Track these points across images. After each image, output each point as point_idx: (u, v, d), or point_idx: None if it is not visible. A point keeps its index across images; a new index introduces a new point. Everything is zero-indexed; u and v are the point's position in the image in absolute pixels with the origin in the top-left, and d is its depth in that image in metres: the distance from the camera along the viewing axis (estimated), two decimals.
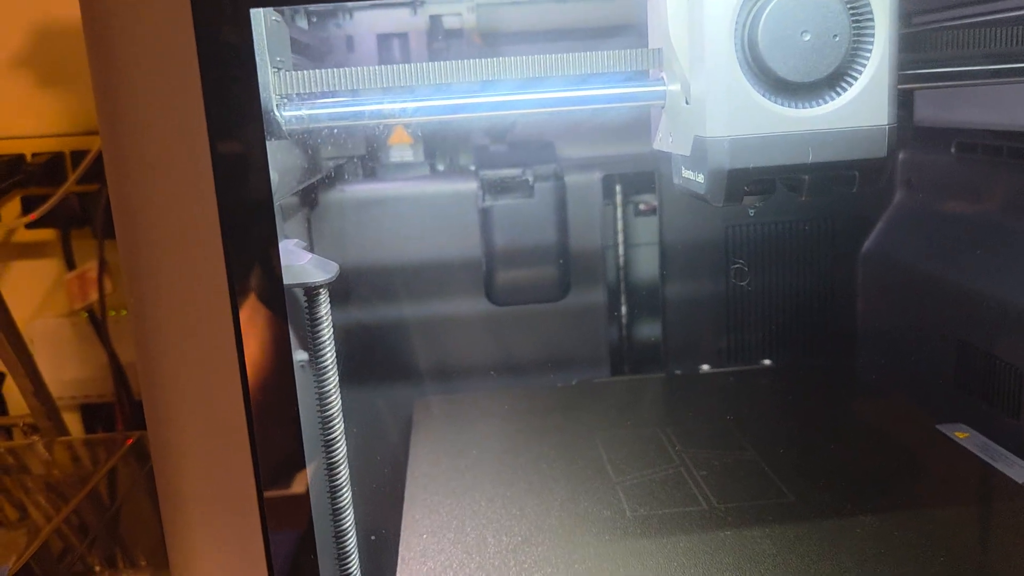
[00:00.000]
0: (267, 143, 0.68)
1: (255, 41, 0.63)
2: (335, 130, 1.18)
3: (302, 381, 1.06)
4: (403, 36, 1.26)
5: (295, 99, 0.71)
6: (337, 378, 0.68)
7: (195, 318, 0.53)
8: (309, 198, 1.18)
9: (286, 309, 0.55)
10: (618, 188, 1.25)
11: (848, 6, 0.60)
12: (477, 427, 1.08)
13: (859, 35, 0.61)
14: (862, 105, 0.61)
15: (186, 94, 0.51)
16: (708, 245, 1.24)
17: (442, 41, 1.26)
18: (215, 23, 0.51)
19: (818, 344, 1.26)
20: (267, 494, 0.55)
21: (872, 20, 0.61)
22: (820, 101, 0.62)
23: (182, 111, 0.51)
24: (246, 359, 0.53)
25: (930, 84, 0.73)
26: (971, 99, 1.08)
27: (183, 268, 0.52)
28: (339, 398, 0.68)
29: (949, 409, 1.07)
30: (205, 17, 0.51)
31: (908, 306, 1.17)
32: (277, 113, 0.67)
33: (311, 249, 1.18)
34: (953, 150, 1.10)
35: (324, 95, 0.71)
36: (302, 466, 0.57)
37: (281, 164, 0.77)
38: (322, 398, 0.67)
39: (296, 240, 0.73)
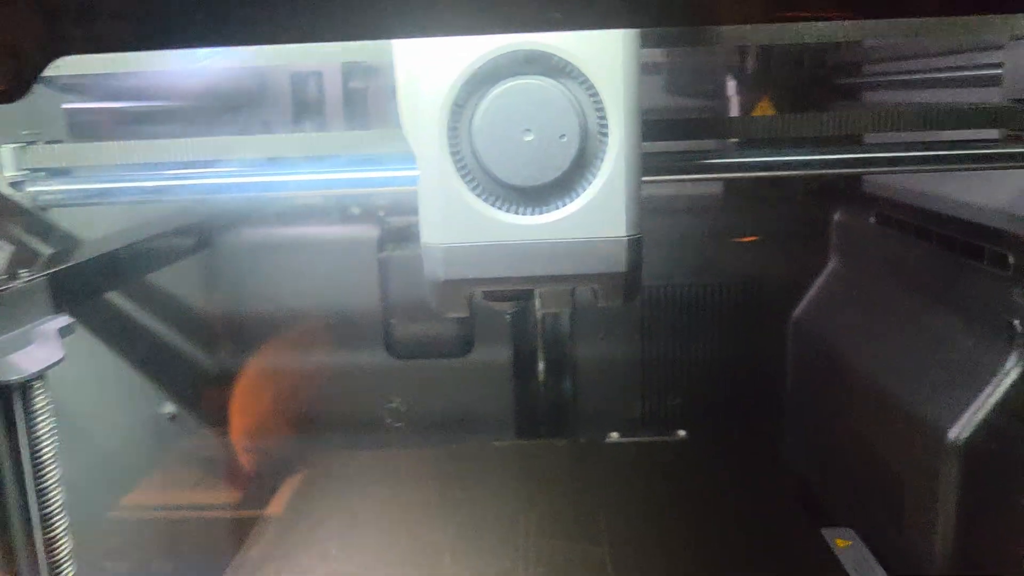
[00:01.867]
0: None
1: None
2: None
3: (167, 434, 1.04)
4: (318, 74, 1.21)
5: (58, 175, 0.67)
6: (58, 474, 0.64)
7: None
8: (203, 240, 1.15)
9: None
10: None
11: (576, 102, 0.53)
12: (342, 491, 1.04)
13: (593, 136, 0.54)
14: (596, 213, 0.54)
15: None
16: (623, 307, 1.16)
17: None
18: None
19: (740, 415, 1.17)
20: None
21: (605, 118, 0.53)
22: (551, 208, 0.55)
23: None
24: None
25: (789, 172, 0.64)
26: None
27: None
28: (60, 494, 0.64)
29: (849, 507, 0.97)
30: None
31: (831, 385, 1.07)
32: (11, 191, 0.64)
33: (204, 294, 1.15)
34: (872, 220, 1.00)
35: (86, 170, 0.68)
36: None
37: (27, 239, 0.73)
38: (41, 494, 0.63)
39: (61, 318, 0.69)
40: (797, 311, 1.14)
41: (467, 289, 0.56)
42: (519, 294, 0.59)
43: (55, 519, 0.64)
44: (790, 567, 0.86)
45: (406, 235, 1.15)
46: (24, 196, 0.65)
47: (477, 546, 0.91)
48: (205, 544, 1.01)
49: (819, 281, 1.13)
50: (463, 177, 0.54)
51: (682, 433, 1.17)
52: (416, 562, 0.88)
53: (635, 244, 0.54)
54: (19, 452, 0.61)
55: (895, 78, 0.99)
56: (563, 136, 0.53)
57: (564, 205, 0.54)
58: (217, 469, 1.16)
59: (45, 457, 0.63)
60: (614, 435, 1.17)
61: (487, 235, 0.54)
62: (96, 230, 0.86)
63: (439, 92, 0.53)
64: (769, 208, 1.17)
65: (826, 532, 0.91)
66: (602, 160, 0.54)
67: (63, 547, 0.64)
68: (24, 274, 0.68)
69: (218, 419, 1.15)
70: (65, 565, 0.64)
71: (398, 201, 1.20)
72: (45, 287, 0.70)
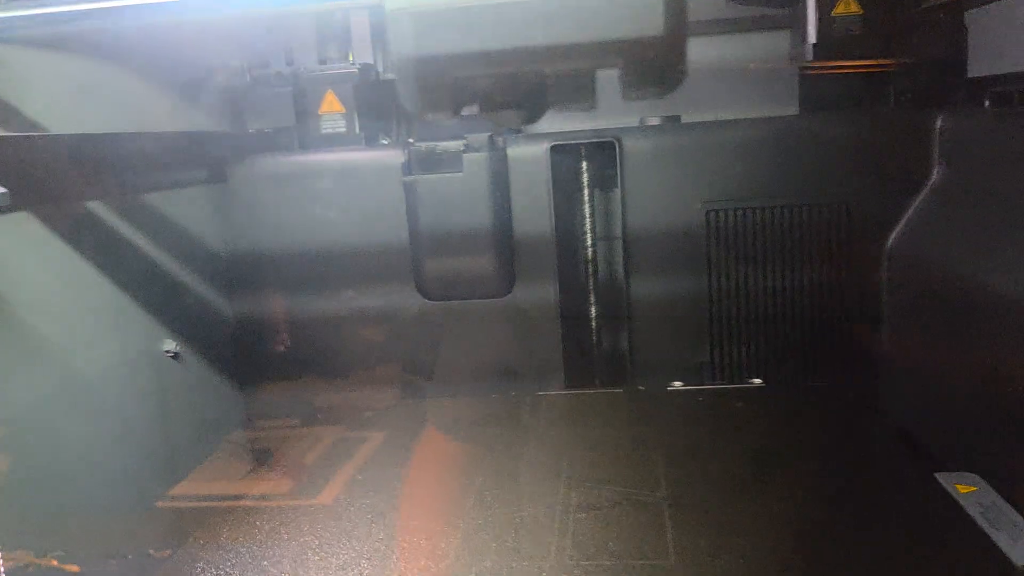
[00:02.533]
0: None
1: None
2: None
3: (174, 373, 0.92)
4: None
5: None
6: None
7: None
8: (216, 170, 1.04)
9: None
10: (584, 165, 1.03)
11: None
12: (370, 440, 0.90)
13: None
14: None
15: None
16: (684, 233, 1.00)
17: None
18: None
19: (826, 362, 1.00)
20: None
21: None
22: None
23: None
24: None
25: None
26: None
27: None
28: None
29: (967, 453, 0.79)
30: None
31: (938, 318, 0.89)
32: None
33: (220, 226, 1.04)
34: (987, 103, 0.82)
35: None
36: None
37: None
38: None
39: None
40: (893, 235, 0.97)
41: None
42: None
43: None
44: (905, 516, 0.69)
45: (432, 159, 1.01)
46: None
47: (515, 487, 0.76)
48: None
49: (919, 199, 0.96)
50: None
51: (757, 381, 1.00)
52: (444, 509, 0.74)
53: None
54: None
55: None
56: None
57: None
58: (225, 419, 1.03)
59: None
60: (677, 384, 1.01)
61: None
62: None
63: None
64: (858, 116, 1.00)
65: (941, 477, 0.73)
66: None
67: None
68: None
69: (229, 362, 1.03)
70: None
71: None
72: None
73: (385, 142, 1.12)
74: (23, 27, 0.56)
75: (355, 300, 1.06)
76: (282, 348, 1.06)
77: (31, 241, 0.72)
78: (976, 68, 0.89)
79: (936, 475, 0.74)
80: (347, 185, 1.05)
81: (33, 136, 0.68)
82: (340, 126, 1.09)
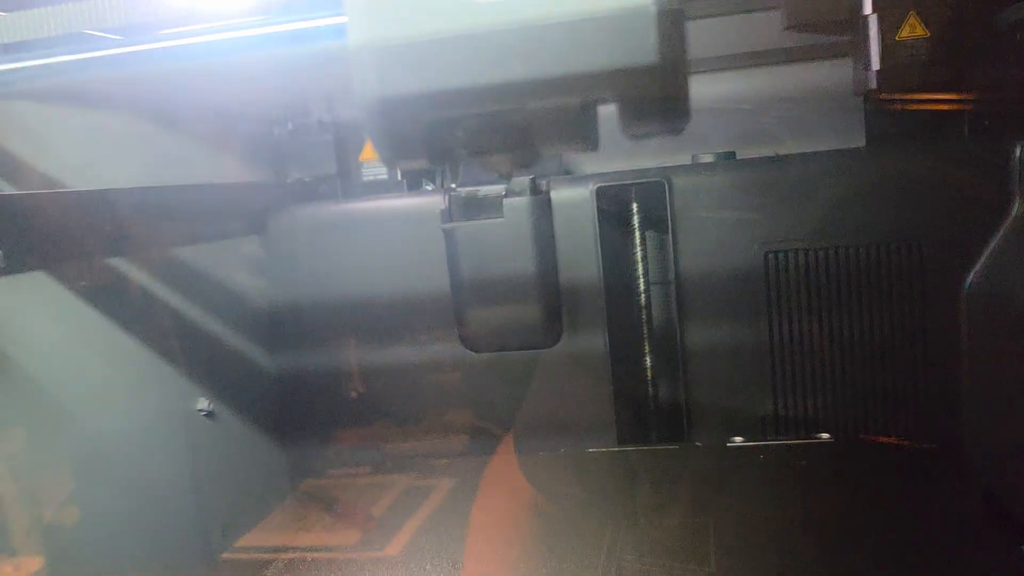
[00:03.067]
0: None
1: None
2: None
3: (205, 432, 0.90)
4: None
5: None
6: None
7: None
8: (256, 221, 1.02)
9: None
10: (635, 206, 0.98)
11: None
12: (410, 496, 0.86)
13: None
14: None
15: None
16: (742, 277, 0.94)
17: None
18: None
19: (900, 415, 0.92)
20: None
21: None
22: None
23: None
24: None
25: None
26: None
27: None
28: None
29: None
30: None
31: None
32: None
33: (261, 277, 1.02)
34: None
35: None
36: None
37: None
38: None
39: None
40: (973, 274, 0.89)
41: None
42: None
43: None
44: None
45: (473, 204, 0.97)
46: None
47: (566, 554, 0.71)
48: None
49: (1000, 234, 0.87)
50: None
51: (826, 436, 0.93)
52: None
53: None
54: None
55: None
56: None
57: None
58: (261, 478, 1.00)
59: None
60: (738, 439, 0.94)
61: None
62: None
63: None
64: (929, 147, 0.93)
65: None
66: None
67: None
68: None
69: (266, 418, 1.01)
70: None
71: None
72: None
73: (429, 188, 1.09)
74: (25, 81, 0.54)
75: (397, 353, 1.02)
76: (325, 402, 1.03)
77: (52, 299, 0.70)
78: None
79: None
80: (390, 233, 1.02)
81: (40, 194, 0.66)
82: (382, 173, 1.06)
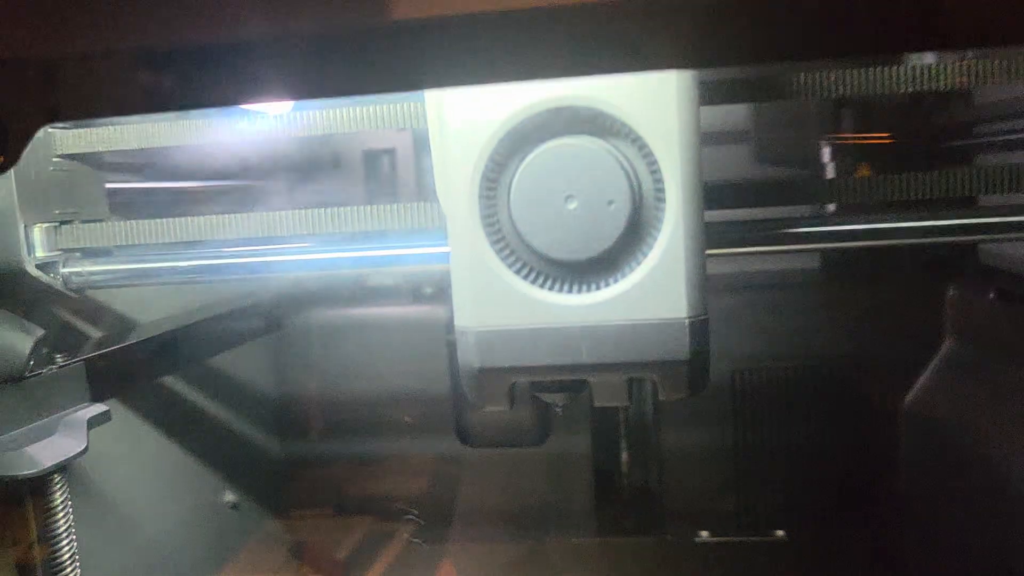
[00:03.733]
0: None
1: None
2: None
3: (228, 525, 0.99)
4: (391, 152, 1.19)
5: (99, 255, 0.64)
6: (77, 572, 0.59)
7: None
8: (272, 321, 1.12)
9: None
10: None
11: (628, 164, 0.46)
12: None
13: (647, 202, 0.46)
14: (652, 292, 0.46)
15: None
16: (713, 392, 1.06)
17: None
18: None
19: (847, 515, 1.04)
20: None
21: (661, 181, 0.46)
22: (599, 285, 0.47)
23: None
24: None
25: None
26: None
27: None
28: None
29: None
30: None
31: (956, 483, 0.94)
32: (39, 273, 0.60)
33: (273, 375, 1.11)
34: (992, 296, 0.88)
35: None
36: None
37: (60, 325, 0.69)
38: None
39: (95, 406, 0.65)
40: (910, 397, 1.02)
41: (506, 379, 0.49)
42: (569, 385, 0.52)
43: None
44: None
45: None
46: (55, 278, 0.62)
47: None
48: None
49: (934, 363, 1.01)
50: (498, 251, 0.47)
51: (780, 533, 1.05)
52: None
53: (698, 327, 0.46)
54: (31, 552, 0.56)
55: (1011, 137, 0.88)
56: (611, 203, 0.46)
57: (615, 282, 0.47)
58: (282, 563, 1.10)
59: (63, 557, 0.58)
60: (704, 534, 1.06)
61: (526, 318, 0.47)
62: (151, 311, 0.83)
63: (471, 153, 0.47)
64: (874, 284, 1.06)
65: None
66: (659, 231, 0.46)
67: None
68: (60, 360, 0.65)
69: (284, 508, 1.10)
70: None
71: None
72: (79, 374, 0.67)
73: (428, 291, 1.19)
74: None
75: (394, 447, 1.12)
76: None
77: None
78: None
79: None
80: (393, 338, 1.12)
81: (129, 345, 0.76)
82: (388, 279, 1.17)
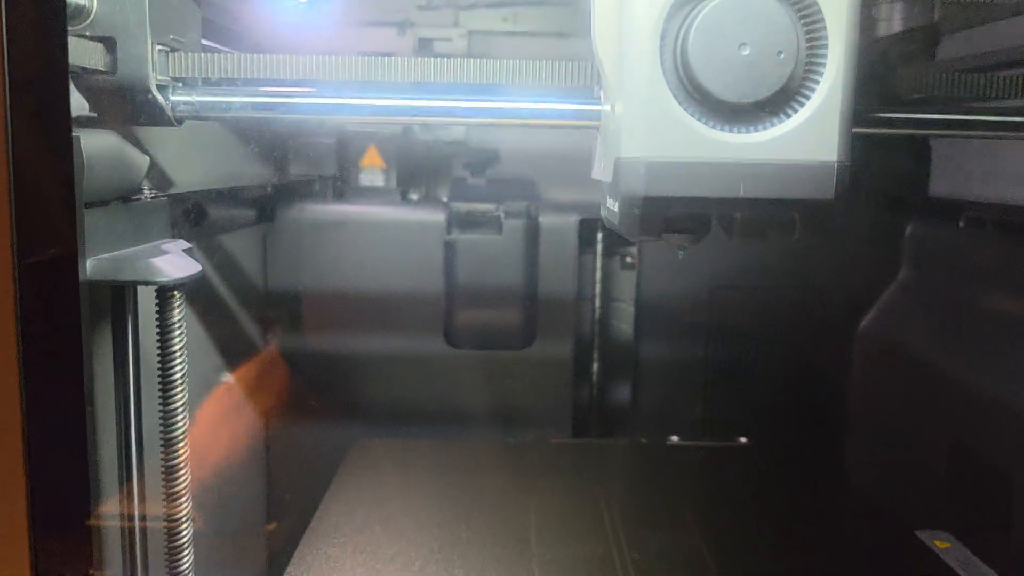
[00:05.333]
0: (145, 128, 0.61)
1: (133, 11, 0.57)
2: (296, 141, 1.12)
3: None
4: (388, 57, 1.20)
5: (196, 84, 0.64)
6: (186, 396, 0.59)
7: None
8: (265, 212, 1.11)
9: (79, 308, 0.46)
10: (600, 236, 1.16)
11: (799, 16, 0.51)
12: (410, 479, 0.99)
13: (810, 54, 0.52)
14: (808, 135, 0.52)
15: None
16: (690, 306, 1.14)
17: None
18: None
19: (802, 425, 1.15)
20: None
21: (825, 38, 0.51)
22: (760, 127, 0.53)
23: None
24: (30, 362, 0.44)
25: (929, 131, 0.63)
26: (990, 171, 0.98)
27: None
28: (186, 419, 0.59)
29: (934, 513, 0.94)
30: None
31: (902, 395, 1.05)
32: (158, 95, 0.60)
33: (262, 268, 1.11)
34: (962, 224, 0.99)
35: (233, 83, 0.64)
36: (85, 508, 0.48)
37: (186, 156, 0.69)
38: (167, 416, 0.58)
39: (179, 242, 0.65)
40: (865, 321, 1.13)
41: (666, 208, 0.53)
42: (700, 225, 0.57)
43: (179, 444, 0.59)
44: (894, 570, 0.83)
45: (472, 221, 1.12)
46: (165, 104, 0.62)
47: (565, 528, 0.87)
48: None
49: (889, 291, 1.12)
50: (672, 90, 0.52)
51: (743, 440, 1.14)
52: (501, 544, 0.83)
53: (844, 170, 0.53)
54: (169, 359, 0.57)
55: None
56: (780, 53, 0.51)
57: (774, 125, 0.52)
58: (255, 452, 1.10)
59: (175, 374, 0.58)
60: (674, 438, 1.14)
61: (694, 151, 0.52)
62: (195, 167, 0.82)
63: (652, 2, 0.51)
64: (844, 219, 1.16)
65: (921, 534, 0.88)
66: (819, 81, 0.52)
67: (184, 477, 0.59)
68: (147, 190, 0.65)
69: (263, 401, 1.10)
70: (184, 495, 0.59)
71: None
72: (164, 208, 0.66)
73: (414, 198, 1.21)
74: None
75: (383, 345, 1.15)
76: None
77: None
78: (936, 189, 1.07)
79: (916, 533, 0.89)
80: (384, 237, 1.14)
81: (200, 191, 0.75)
82: (379, 180, 1.18)
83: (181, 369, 0.59)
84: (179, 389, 0.58)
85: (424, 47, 1.20)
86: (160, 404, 0.58)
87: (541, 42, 1.20)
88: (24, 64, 0.44)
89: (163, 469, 0.59)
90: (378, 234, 1.13)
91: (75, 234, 0.47)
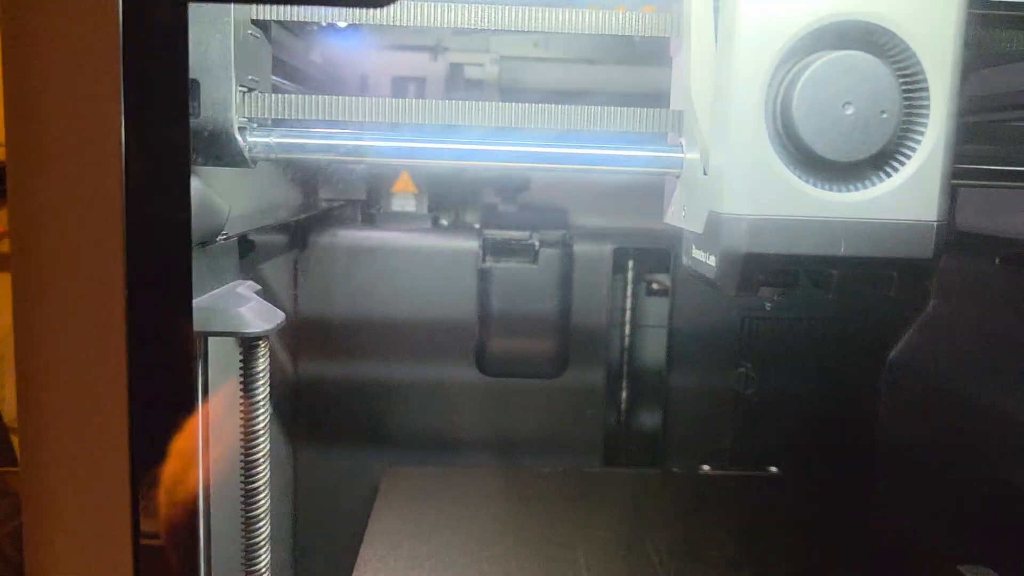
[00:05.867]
0: (225, 170, 0.60)
1: (218, 53, 0.56)
2: (330, 167, 1.11)
3: None
4: (420, 81, 1.19)
5: (269, 125, 0.63)
6: (268, 445, 0.58)
7: (85, 354, 0.43)
8: (297, 239, 1.10)
9: (195, 356, 0.46)
10: (631, 263, 1.16)
11: (901, 78, 0.52)
12: (447, 508, 0.98)
13: (911, 113, 0.52)
14: (909, 195, 0.52)
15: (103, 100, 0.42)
16: (721, 334, 1.14)
17: (461, 91, 1.19)
18: (146, 23, 0.43)
19: (832, 455, 1.15)
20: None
21: (927, 96, 0.52)
22: (860, 186, 0.53)
23: (95, 117, 0.42)
24: (142, 404, 0.43)
25: (986, 182, 0.64)
26: (1016, 205, 0.99)
27: (76, 300, 0.43)
28: (267, 466, 0.58)
29: (972, 547, 0.95)
30: (133, 19, 0.42)
31: (935, 426, 1.06)
32: (239, 137, 0.59)
33: (293, 294, 1.10)
34: (998, 261, 1.00)
35: (303, 124, 0.63)
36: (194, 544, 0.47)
37: (245, 194, 0.69)
38: (248, 466, 0.57)
39: (249, 283, 0.64)
40: (895, 351, 1.14)
41: (766, 265, 0.53)
42: (790, 279, 0.57)
43: (260, 496, 0.58)
44: None
45: (507, 249, 1.11)
46: (243, 145, 0.61)
47: (615, 564, 0.87)
48: None
49: (919, 322, 1.13)
50: (777, 148, 0.52)
51: (773, 469, 1.15)
52: None
53: (943, 230, 0.53)
54: (253, 409, 0.56)
55: None
56: (884, 112, 0.51)
57: (874, 184, 0.53)
58: (282, 479, 1.09)
59: (258, 424, 0.57)
60: (705, 467, 1.14)
61: (795, 209, 0.52)
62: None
63: (760, 60, 0.51)
64: None
65: (963, 569, 0.89)
66: (920, 141, 0.52)
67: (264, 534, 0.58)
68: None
69: (292, 426, 1.09)
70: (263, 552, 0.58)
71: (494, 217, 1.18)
72: (235, 248, 0.66)
73: (445, 224, 1.21)
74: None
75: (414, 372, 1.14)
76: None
77: None
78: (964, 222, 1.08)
79: (959, 567, 0.89)
80: (417, 264, 1.13)
81: (262, 228, 0.74)
82: (410, 206, 1.17)
83: (264, 419, 0.58)
84: (261, 439, 0.57)
85: (455, 72, 1.19)
86: (242, 456, 0.57)
87: (571, 68, 1.20)
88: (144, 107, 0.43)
89: (243, 520, 0.58)
90: (410, 260, 1.13)
91: (188, 282, 0.46)
